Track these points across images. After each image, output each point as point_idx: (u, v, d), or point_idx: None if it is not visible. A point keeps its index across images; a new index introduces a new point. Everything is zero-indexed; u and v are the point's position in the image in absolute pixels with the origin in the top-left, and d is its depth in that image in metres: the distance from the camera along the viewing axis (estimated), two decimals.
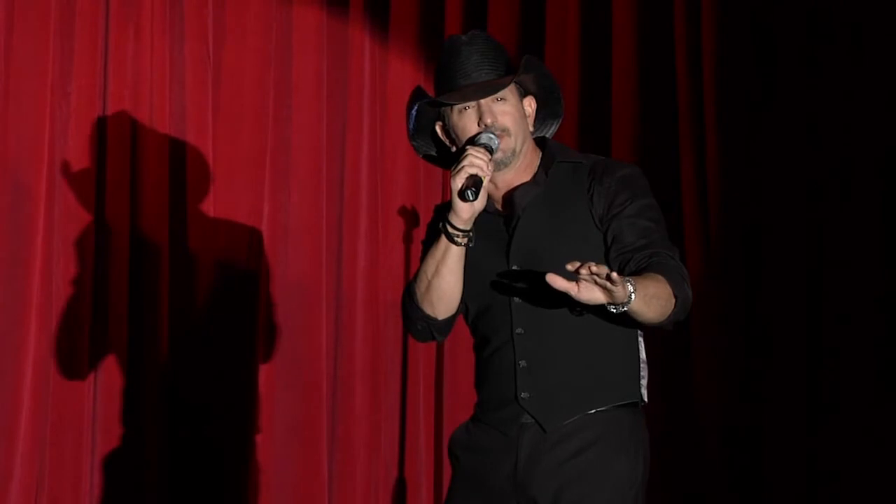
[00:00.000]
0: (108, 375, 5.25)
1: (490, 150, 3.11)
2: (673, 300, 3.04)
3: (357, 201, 5.52)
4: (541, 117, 3.31)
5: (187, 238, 5.36)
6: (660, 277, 3.02)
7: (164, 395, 5.28)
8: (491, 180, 3.16)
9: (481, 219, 3.16)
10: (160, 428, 5.26)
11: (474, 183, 3.04)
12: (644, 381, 3.24)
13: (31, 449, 5.15)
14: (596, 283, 2.85)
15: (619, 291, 2.87)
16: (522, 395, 3.18)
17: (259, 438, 5.37)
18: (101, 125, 5.29)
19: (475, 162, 3.06)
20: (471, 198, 3.04)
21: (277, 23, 5.49)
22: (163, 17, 5.35)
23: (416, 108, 3.24)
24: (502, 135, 3.16)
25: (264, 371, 5.40)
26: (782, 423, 5.26)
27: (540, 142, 3.32)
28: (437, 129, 3.27)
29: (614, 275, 2.83)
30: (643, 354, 3.25)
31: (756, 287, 5.35)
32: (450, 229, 3.11)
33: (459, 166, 3.06)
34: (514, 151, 3.19)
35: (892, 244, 5.20)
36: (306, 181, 5.49)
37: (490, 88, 3.15)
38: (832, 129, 5.29)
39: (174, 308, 5.31)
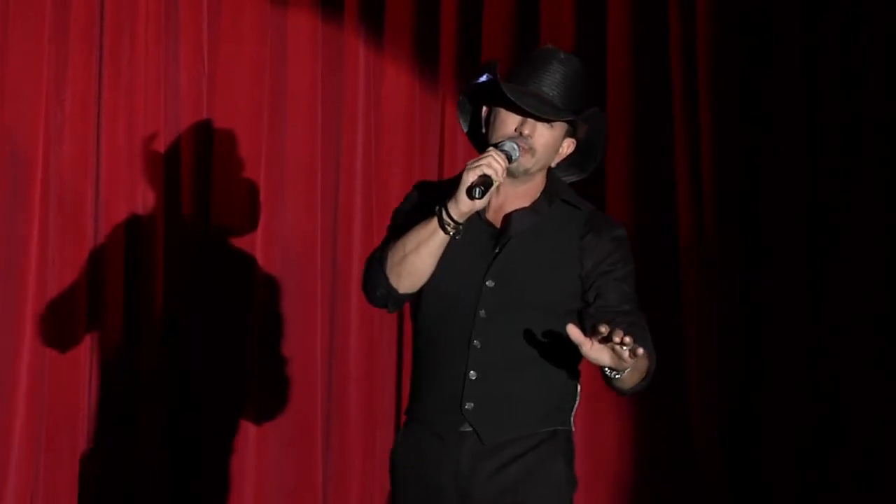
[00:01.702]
0: (104, 381, 5.28)
1: (510, 158, 3.17)
2: (645, 375, 3.15)
3: (352, 208, 5.51)
4: (567, 163, 3.36)
5: (182, 245, 5.38)
6: (644, 352, 3.07)
7: (159, 399, 5.30)
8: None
9: (472, 221, 3.21)
10: (155, 432, 5.28)
11: (484, 183, 3.11)
12: (573, 412, 3.31)
13: (27, 453, 5.18)
14: (613, 350, 2.93)
15: (628, 363, 2.96)
16: (467, 405, 3.21)
17: (253, 446, 5.37)
18: (96, 132, 5.32)
19: (493, 164, 3.12)
20: (477, 196, 3.11)
21: (272, 30, 5.49)
22: (157, 24, 5.36)
23: (484, 77, 3.27)
24: (526, 151, 3.22)
25: (258, 377, 5.40)
26: (782, 423, 5.24)
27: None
28: (484, 109, 3.31)
29: (640, 350, 2.92)
30: (580, 386, 3.33)
31: (754, 290, 5.34)
32: (444, 217, 3.16)
33: (477, 163, 3.13)
34: (525, 171, 3.25)
35: (893, 245, 5.17)
36: (301, 188, 5.48)
37: (547, 111, 3.20)
38: (829, 129, 5.28)
39: (169, 315, 5.34)
